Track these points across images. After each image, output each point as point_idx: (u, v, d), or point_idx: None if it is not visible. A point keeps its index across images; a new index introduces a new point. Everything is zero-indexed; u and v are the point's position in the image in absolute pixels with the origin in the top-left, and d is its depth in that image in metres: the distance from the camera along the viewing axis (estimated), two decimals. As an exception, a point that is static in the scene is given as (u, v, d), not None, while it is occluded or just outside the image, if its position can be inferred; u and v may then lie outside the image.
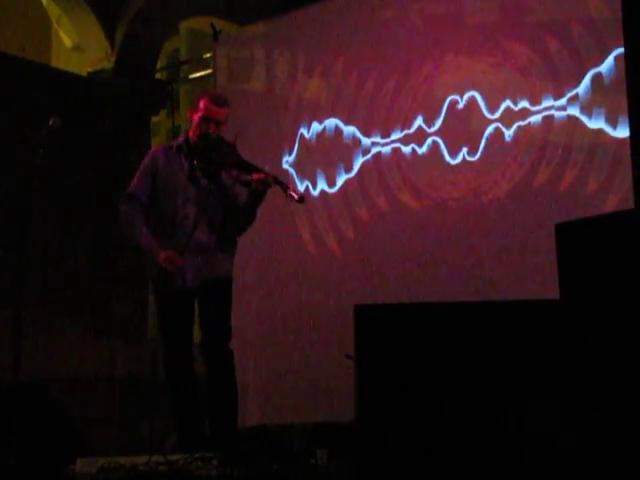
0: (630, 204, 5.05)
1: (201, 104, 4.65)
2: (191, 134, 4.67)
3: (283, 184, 4.51)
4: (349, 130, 6.43)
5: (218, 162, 4.51)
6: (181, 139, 4.72)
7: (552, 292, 2.90)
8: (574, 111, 5.51)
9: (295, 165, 6.60)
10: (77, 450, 4.39)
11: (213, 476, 3.88)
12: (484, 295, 5.45)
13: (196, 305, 4.71)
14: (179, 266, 4.51)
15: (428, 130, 6.05)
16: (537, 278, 5.36)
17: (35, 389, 4.74)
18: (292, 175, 6.56)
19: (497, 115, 5.77)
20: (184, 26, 9.90)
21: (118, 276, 8.58)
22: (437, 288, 5.75)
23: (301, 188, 6.49)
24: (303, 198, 4.50)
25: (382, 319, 3.09)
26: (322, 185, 6.51)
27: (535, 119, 5.64)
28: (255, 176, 4.43)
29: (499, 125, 5.76)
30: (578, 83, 5.51)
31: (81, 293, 8.33)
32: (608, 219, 3.03)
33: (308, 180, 6.54)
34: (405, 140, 6.14)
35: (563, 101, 5.55)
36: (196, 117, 4.65)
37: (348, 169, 6.41)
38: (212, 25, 7.35)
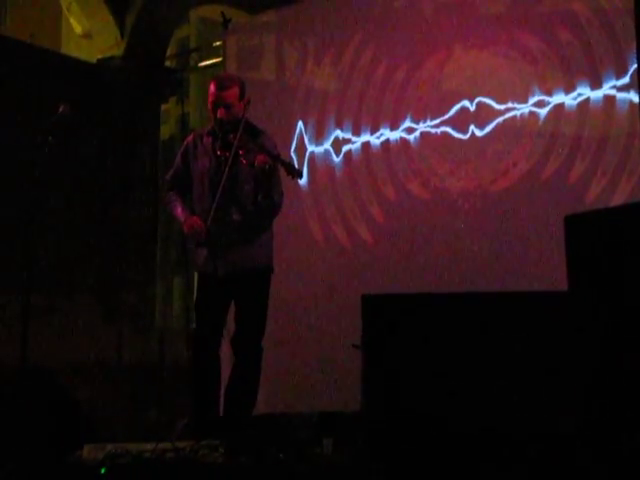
0: (639, 196, 5.05)
1: (210, 89, 4.72)
2: None
3: (286, 164, 4.55)
4: (358, 118, 6.42)
5: (232, 145, 4.55)
6: (212, 123, 4.78)
7: (560, 284, 2.89)
8: (585, 103, 5.49)
9: (304, 153, 6.59)
10: (84, 436, 4.40)
11: (219, 464, 3.89)
12: (491, 286, 5.45)
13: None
14: (203, 231, 4.57)
15: (437, 120, 6.03)
16: (546, 269, 5.36)
17: (42, 375, 4.75)
18: (299, 165, 6.55)
19: (507, 106, 5.76)
20: (194, 14, 9.91)
21: (127, 264, 8.61)
22: (444, 278, 5.75)
23: (308, 177, 6.50)
24: (301, 173, 4.59)
25: (389, 309, 3.09)
26: (330, 174, 6.50)
27: (545, 111, 5.62)
28: (258, 159, 4.47)
29: (508, 116, 5.75)
30: (589, 74, 5.49)
31: (90, 281, 8.35)
32: (617, 211, 3.03)
33: (316, 169, 6.54)
34: (414, 130, 6.13)
35: (573, 93, 5.53)
36: (208, 103, 4.72)
37: (356, 158, 6.40)
38: (222, 13, 7.34)
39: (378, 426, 3.00)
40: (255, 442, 4.39)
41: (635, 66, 5.23)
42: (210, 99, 4.69)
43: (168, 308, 10.03)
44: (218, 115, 4.65)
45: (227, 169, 4.53)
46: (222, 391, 4.74)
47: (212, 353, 4.66)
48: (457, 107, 5.95)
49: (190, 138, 4.89)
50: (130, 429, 7.82)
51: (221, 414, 4.73)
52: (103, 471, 3.73)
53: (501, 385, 2.94)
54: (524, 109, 5.70)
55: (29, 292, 4.36)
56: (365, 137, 6.38)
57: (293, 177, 4.51)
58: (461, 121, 5.93)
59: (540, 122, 5.65)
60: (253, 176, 4.58)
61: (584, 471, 2.61)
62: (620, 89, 5.35)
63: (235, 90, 4.69)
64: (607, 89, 5.40)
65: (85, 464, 4.00)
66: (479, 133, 5.85)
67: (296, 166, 4.62)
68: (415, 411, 2.96)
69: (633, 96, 5.26)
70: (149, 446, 4.01)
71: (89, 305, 8.27)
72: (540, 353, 2.94)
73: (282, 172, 4.59)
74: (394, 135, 6.24)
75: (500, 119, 5.78)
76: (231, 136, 4.57)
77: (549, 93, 5.62)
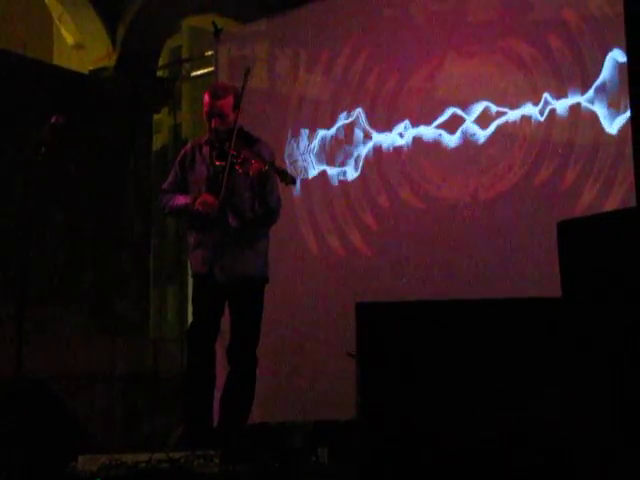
0: (632, 202, 5.05)
1: (204, 99, 4.74)
2: None
3: (279, 171, 4.56)
4: (350, 127, 6.43)
5: (227, 153, 4.57)
6: (209, 132, 4.80)
7: (554, 290, 2.90)
8: (576, 109, 5.51)
9: (296, 162, 6.60)
10: (79, 447, 4.39)
11: (215, 474, 3.88)
12: (486, 293, 5.45)
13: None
14: (216, 205, 4.56)
15: (430, 128, 6.04)
16: (539, 276, 5.37)
17: (37, 386, 4.75)
18: (293, 172, 6.55)
19: (499, 113, 5.77)
20: (186, 24, 9.90)
21: (121, 275, 8.60)
22: (438, 286, 5.75)
23: (301, 185, 6.51)
24: (294, 180, 4.62)
25: (384, 317, 3.09)
26: (324, 183, 6.51)
27: (536, 117, 5.64)
28: (253, 167, 4.49)
29: (501, 123, 5.76)
30: (580, 81, 5.50)
31: (83, 291, 8.34)
32: (610, 217, 3.03)
33: (309, 177, 6.54)
34: (407, 138, 6.14)
35: (565, 99, 5.54)
36: (203, 113, 4.74)
37: (349, 166, 6.41)
38: (213, 23, 7.35)
39: (373, 434, 3.00)
40: (250, 451, 4.39)
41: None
42: (205, 109, 4.72)
43: (162, 318, 10.01)
44: (213, 124, 4.68)
45: (224, 178, 4.54)
46: (216, 399, 4.75)
47: (208, 344, 4.68)
48: (449, 114, 5.96)
49: (188, 147, 4.92)
50: (125, 440, 7.80)
51: (216, 424, 4.73)
52: (98, 482, 3.73)
53: (496, 392, 2.94)
54: (516, 116, 5.71)
55: (23, 303, 4.36)
56: (358, 145, 6.39)
57: (287, 184, 4.53)
58: (453, 128, 5.94)
59: (532, 129, 5.66)
60: (250, 184, 4.61)
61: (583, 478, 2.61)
62: (611, 96, 5.37)
63: (230, 99, 4.71)
64: (598, 95, 5.42)
65: (80, 475, 3.98)
66: (471, 140, 5.86)
67: (290, 173, 4.63)
68: (410, 419, 2.96)
69: (624, 102, 5.28)
70: (144, 457, 4.01)
71: (83, 316, 8.26)
72: (535, 359, 2.94)
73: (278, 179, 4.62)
74: (386, 143, 6.24)
75: (492, 126, 5.79)
76: (227, 145, 4.59)
77: (541, 100, 5.63)
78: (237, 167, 4.53)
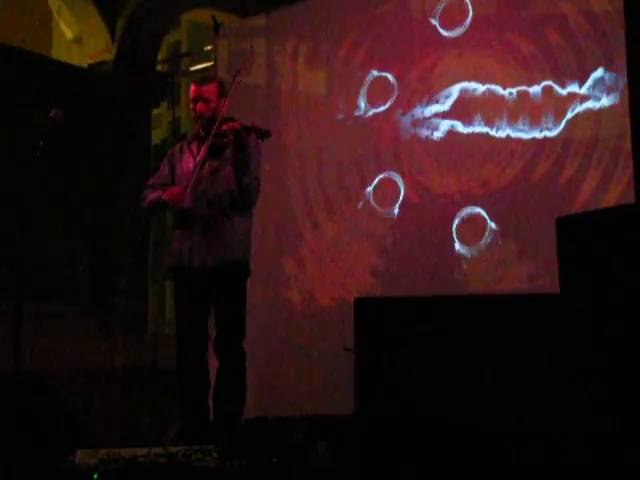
0: (631, 198, 5.06)
1: (190, 90, 4.81)
2: None
3: (254, 129, 4.58)
4: (350, 121, 6.42)
5: (209, 140, 4.59)
6: (195, 121, 4.86)
7: (552, 287, 2.90)
8: (575, 104, 5.50)
9: (295, 157, 6.59)
10: (77, 441, 4.39)
11: (212, 468, 3.88)
12: (484, 288, 5.46)
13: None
14: (183, 193, 4.58)
15: (427, 124, 6.03)
16: (538, 272, 5.37)
17: (35, 381, 4.75)
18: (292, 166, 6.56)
19: (496, 108, 5.77)
20: (185, 18, 9.91)
21: (119, 270, 8.60)
22: (437, 281, 5.75)
23: (303, 180, 6.51)
24: (269, 133, 4.59)
25: (382, 312, 3.10)
26: (321, 176, 6.50)
27: (534, 112, 5.64)
28: (228, 126, 4.51)
29: (497, 117, 5.75)
30: (578, 76, 5.50)
31: (82, 286, 8.34)
32: (609, 213, 3.03)
33: (307, 172, 6.54)
34: (405, 133, 6.13)
35: (563, 94, 5.54)
36: (190, 102, 4.80)
37: (348, 160, 6.40)
38: (213, 17, 7.35)
39: (371, 429, 3.00)
40: (248, 446, 4.40)
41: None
42: (191, 96, 4.76)
43: (160, 313, 10.02)
44: (197, 109, 4.69)
45: (197, 167, 4.56)
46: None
47: (198, 356, 4.65)
48: (447, 110, 5.95)
49: (177, 145, 4.93)
50: (123, 434, 7.81)
51: (212, 419, 4.72)
52: (96, 476, 3.73)
53: (494, 388, 2.95)
54: (513, 111, 5.71)
55: (21, 299, 4.36)
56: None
57: (263, 139, 4.55)
58: (451, 124, 5.94)
59: (530, 124, 5.66)
60: (231, 159, 4.60)
61: (578, 471, 2.62)
62: (610, 91, 5.37)
63: (213, 86, 4.75)
64: (597, 91, 5.42)
65: (78, 469, 3.99)
66: (469, 135, 5.86)
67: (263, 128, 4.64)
68: (408, 414, 2.97)
69: (623, 98, 5.27)
70: (142, 451, 4.01)
71: (81, 311, 8.26)
72: (533, 355, 2.94)
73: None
74: (384, 137, 6.24)
75: (489, 121, 5.78)
76: (211, 129, 4.61)
77: (539, 95, 5.63)
78: (225, 141, 4.54)
